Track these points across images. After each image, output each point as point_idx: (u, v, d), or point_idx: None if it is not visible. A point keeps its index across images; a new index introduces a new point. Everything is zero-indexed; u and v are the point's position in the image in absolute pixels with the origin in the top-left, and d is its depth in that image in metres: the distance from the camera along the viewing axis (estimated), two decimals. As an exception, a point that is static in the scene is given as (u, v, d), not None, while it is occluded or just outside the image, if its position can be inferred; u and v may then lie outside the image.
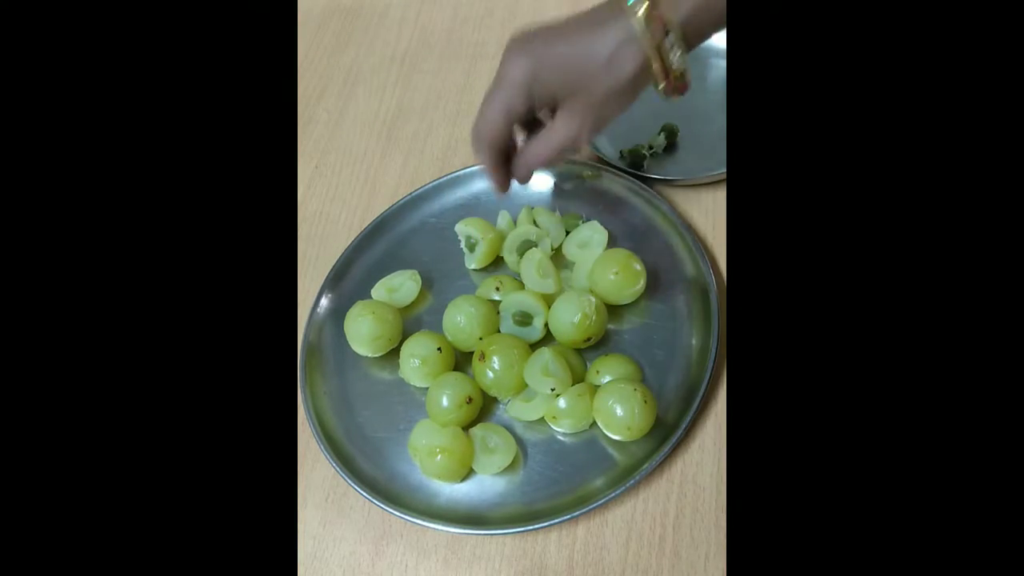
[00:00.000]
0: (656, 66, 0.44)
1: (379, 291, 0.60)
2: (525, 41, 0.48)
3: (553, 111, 0.50)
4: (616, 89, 0.46)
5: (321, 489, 0.54)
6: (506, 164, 0.53)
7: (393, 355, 0.57)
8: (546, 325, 0.55)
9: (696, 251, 0.57)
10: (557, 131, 0.49)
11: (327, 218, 0.68)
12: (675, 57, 0.44)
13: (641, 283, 0.55)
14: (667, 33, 0.43)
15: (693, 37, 0.44)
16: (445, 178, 0.65)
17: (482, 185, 0.65)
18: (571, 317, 0.52)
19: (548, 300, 0.55)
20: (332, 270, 0.62)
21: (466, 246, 0.60)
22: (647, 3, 0.43)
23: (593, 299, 0.53)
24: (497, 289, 0.58)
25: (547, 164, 0.51)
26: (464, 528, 0.49)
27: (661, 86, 0.46)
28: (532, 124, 0.54)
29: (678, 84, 0.46)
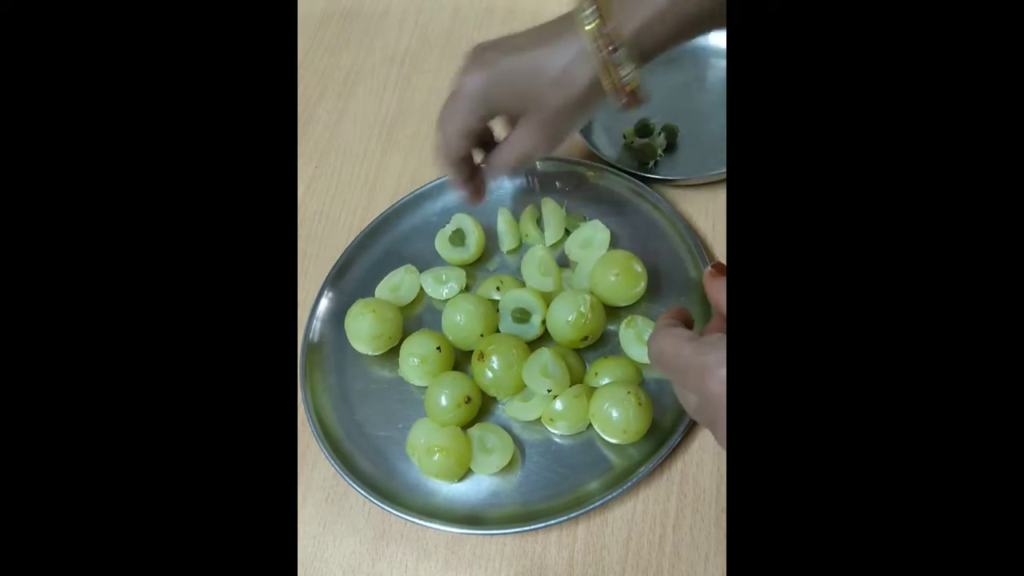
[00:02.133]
0: (607, 82, 0.44)
1: (382, 290, 0.60)
2: (480, 55, 0.48)
3: (512, 123, 0.51)
4: (568, 104, 0.46)
5: (321, 489, 0.54)
6: (472, 175, 0.54)
7: (393, 353, 0.57)
8: (543, 323, 0.55)
9: (696, 251, 0.57)
10: (513, 144, 0.49)
11: (327, 218, 0.68)
12: (626, 72, 0.44)
13: (642, 285, 0.55)
14: (616, 49, 0.43)
15: (645, 52, 0.44)
16: (445, 178, 0.65)
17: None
18: (567, 316, 0.52)
19: (548, 299, 0.55)
20: (332, 270, 0.62)
21: (451, 241, 0.61)
22: (596, 19, 0.43)
23: (589, 298, 0.53)
24: (497, 289, 0.58)
25: (509, 173, 0.52)
26: (464, 528, 0.49)
27: (615, 101, 0.46)
28: (489, 144, 0.55)
29: (631, 99, 0.46)
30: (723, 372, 0.36)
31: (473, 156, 0.54)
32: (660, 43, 0.44)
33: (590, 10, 0.43)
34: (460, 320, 0.54)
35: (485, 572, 0.49)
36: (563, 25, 0.45)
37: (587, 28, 0.43)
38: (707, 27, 0.44)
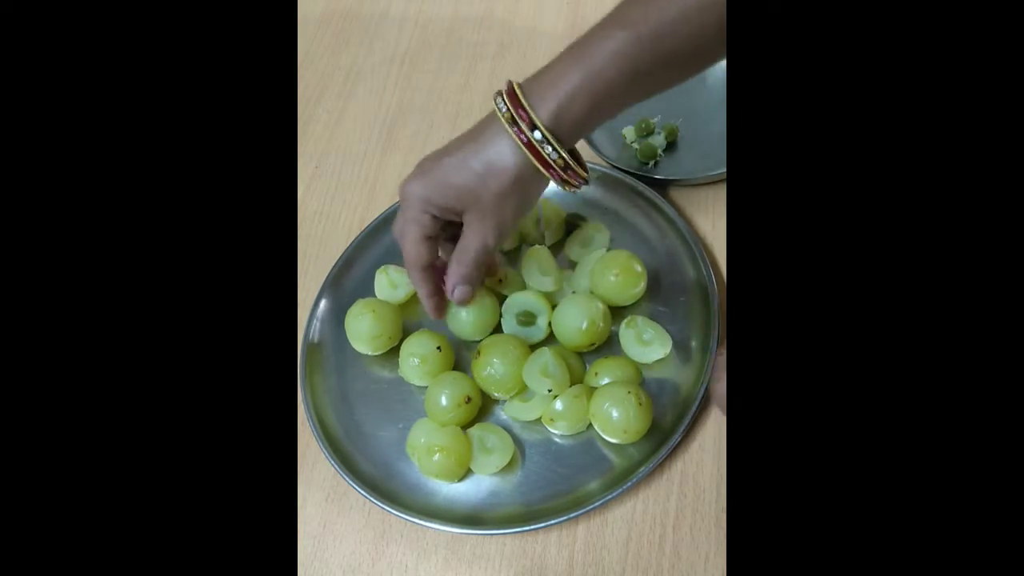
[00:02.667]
0: (536, 163, 0.45)
1: (381, 279, 0.60)
2: (420, 165, 0.50)
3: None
4: (503, 192, 0.47)
5: (321, 489, 0.54)
6: (440, 289, 0.54)
7: (393, 353, 0.57)
8: (549, 325, 0.55)
9: (696, 251, 0.57)
10: (466, 247, 0.50)
11: (327, 218, 0.68)
12: (550, 152, 0.45)
13: (642, 285, 0.55)
14: (533, 129, 0.44)
15: (565, 132, 0.45)
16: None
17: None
18: (579, 323, 0.52)
19: (550, 299, 0.55)
20: (332, 270, 0.62)
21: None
22: (507, 105, 0.45)
23: (601, 305, 0.53)
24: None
25: (473, 279, 0.51)
26: (464, 528, 0.49)
27: (555, 181, 0.47)
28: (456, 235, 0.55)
29: (569, 177, 0.47)
30: None
31: (439, 266, 0.54)
32: (579, 122, 0.45)
33: (502, 100, 0.45)
34: (464, 315, 0.55)
35: (485, 572, 0.49)
36: (486, 121, 0.47)
37: (504, 116, 0.45)
38: (624, 102, 0.46)
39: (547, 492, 0.50)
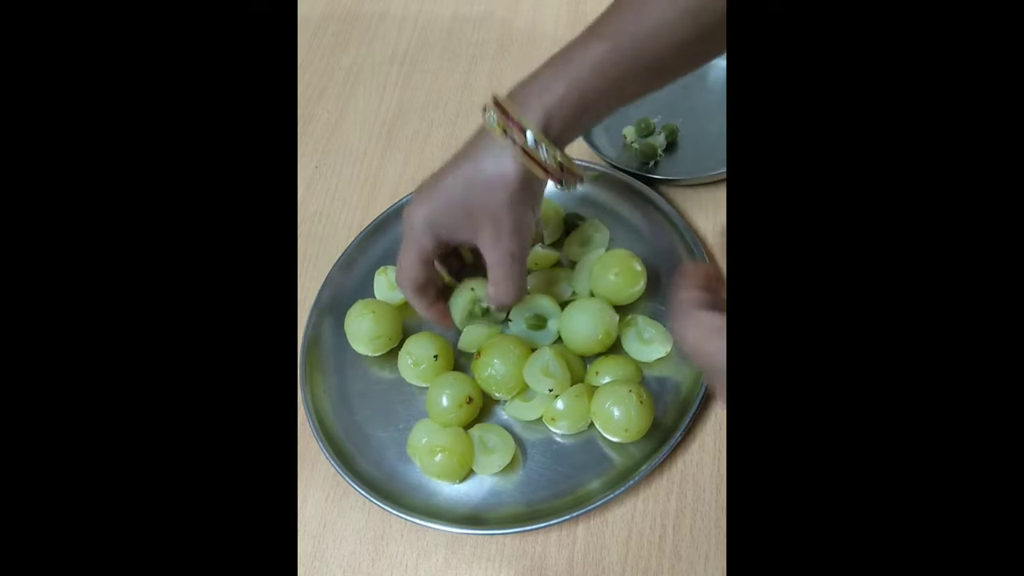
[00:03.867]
0: (532, 167, 0.46)
1: (380, 280, 0.60)
2: (420, 190, 0.50)
3: (471, 250, 0.52)
4: (510, 201, 0.47)
5: (321, 489, 0.54)
6: (438, 300, 0.54)
7: (393, 354, 0.57)
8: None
9: (696, 251, 0.57)
10: (495, 267, 0.49)
11: (327, 218, 0.68)
12: (544, 156, 0.45)
13: (641, 284, 0.55)
14: (524, 133, 0.45)
15: (556, 136, 0.46)
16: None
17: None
18: (595, 333, 0.52)
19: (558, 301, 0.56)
20: (332, 270, 0.62)
21: None
22: (497, 116, 0.45)
23: (614, 314, 0.53)
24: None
25: (514, 294, 0.50)
26: (464, 528, 0.49)
27: (555, 183, 0.48)
28: (453, 258, 0.56)
29: (567, 177, 0.47)
30: None
31: (436, 281, 0.54)
32: (567, 127, 0.46)
33: (492, 111, 0.46)
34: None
35: (485, 572, 0.49)
36: (477, 138, 0.48)
37: (495, 127, 0.46)
38: (610, 108, 0.47)
39: (549, 492, 0.50)
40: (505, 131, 0.45)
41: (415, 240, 0.50)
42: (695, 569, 0.47)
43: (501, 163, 0.46)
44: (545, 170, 0.46)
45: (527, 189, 0.47)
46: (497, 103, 0.46)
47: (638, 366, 0.53)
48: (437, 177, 0.49)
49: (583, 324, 0.53)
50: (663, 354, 0.53)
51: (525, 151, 0.45)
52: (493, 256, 0.49)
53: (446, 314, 0.55)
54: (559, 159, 0.46)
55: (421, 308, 0.53)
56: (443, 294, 0.55)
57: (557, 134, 0.46)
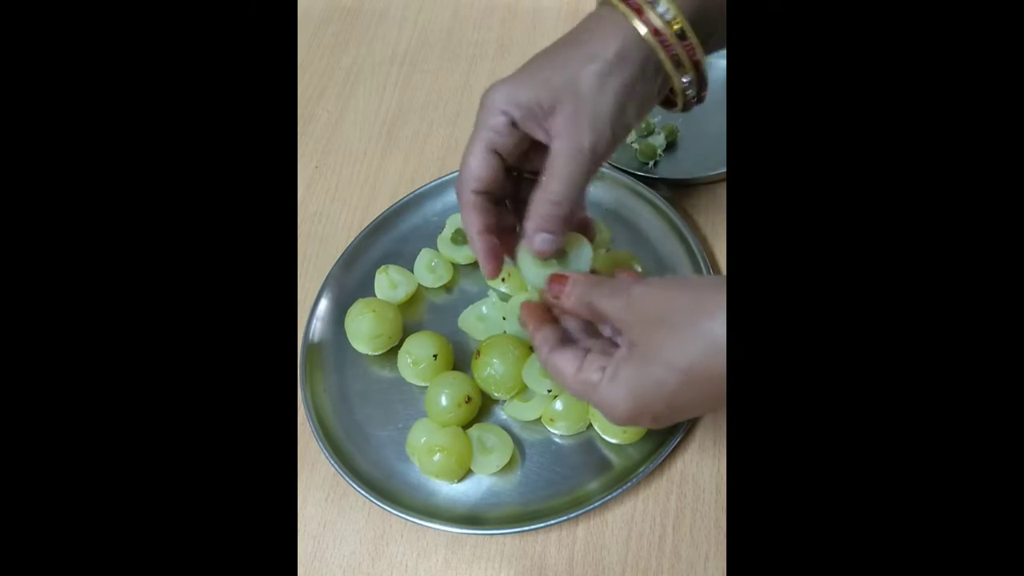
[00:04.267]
0: (640, 27, 0.38)
1: (381, 279, 0.60)
2: (501, 79, 0.42)
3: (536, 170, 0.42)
4: (600, 73, 0.38)
5: (321, 489, 0.54)
6: (494, 228, 0.43)
7: (393, 353, 0.57)
8: None
9: (696, 251, 0.57)
10: (554, 158, 0.40)
11: (327, 218, 0.68)
12: (664, 9, 0.38)
13: None
14: (674, 21, 0.37)
15: (708, 22, 0.38)
16: (445, 178, 0.65)
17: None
18: None
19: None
20: (332, 269, 0.62)
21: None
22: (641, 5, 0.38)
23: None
24: (503, 280, 0.58)
25: (563, 212, 0.41)
26: (464, 528, 0.49)
27: (678, 84, 0.40)
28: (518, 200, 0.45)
29: (684, 51, 0.39)
30: (610, 391, 0.37)
31: (501, 192, 0.44)
32: (720, 10, 0.38)
33: None
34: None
35: (485, 572, 0.49)
36: (591, 22, 0.40)
37: (622, 6, 0.38)
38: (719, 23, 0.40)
39: (547, 492, 0.50)
40: (645, 9, 0.37)
41: (484, 122, 0.41)
42: (695, 569, 0.47)
43: (605, 34, 0.38)
44: (657, 33, 0.37)
45: (628, 63, 0.38)
46: None
47: None
48: (525, 65, 0.41)
49: None
50: None
51: (638, 10, 0.38)
52: (559, 144, 0.39)
53: (497, 254, 0.44)
54: (681, 24, 0.38)
55: (473, 227, 0.43)
56: (505, 238, 0.44)
57: (708, 20, 0.38)
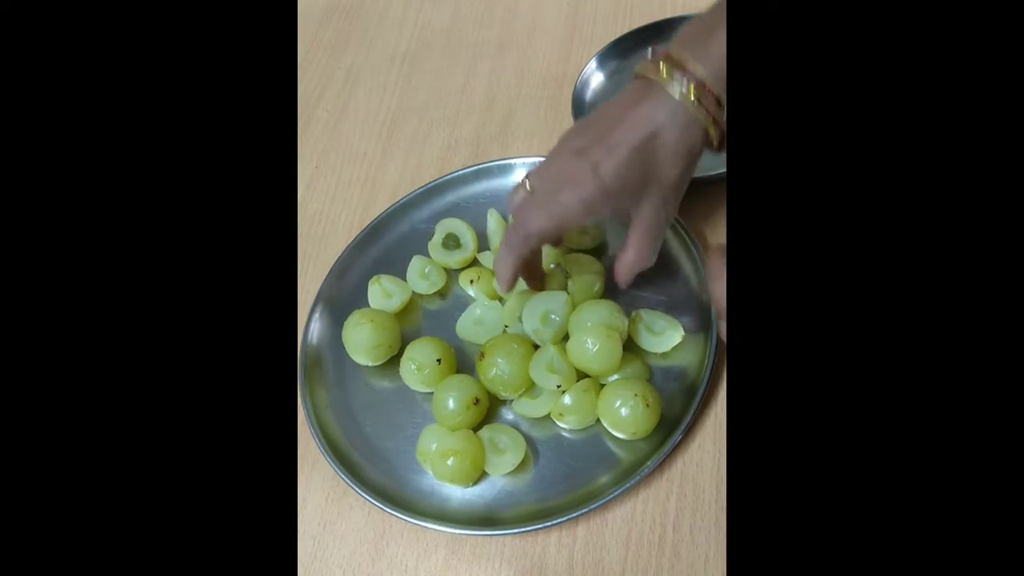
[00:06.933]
0: (714, 130, 0.43)
1: (374, 289, 0.60)
2: (580, 157, 0.45)
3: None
4: (688, 169, 0.45)
5: (321, 489, 0.54)
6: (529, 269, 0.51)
7: (393, 363, 0.56)
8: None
9: (696, 251, 0.57)
10: (643, 233, 0.47)
11: (327, 218, 0.68)
12: (719, 97, 0.42)
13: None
14: (718, 102, 0.42)
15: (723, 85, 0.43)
16: (445, 178, 0.65)
17: (481, 186, 0.65)
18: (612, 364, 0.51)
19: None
20: (332, 270, 0.62)
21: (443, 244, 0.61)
22: (690, 82, 0.42)
23: (619, 341, 0.51)
24: (472, 283, 0.58)
25: (647, 262, 0.49)
26: (464, 528, 0.49)
27: (715, 148, 0.45)
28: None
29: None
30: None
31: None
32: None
33: (659, 66, 0.42)
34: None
35: (485, 572, 0.49)
36: (639, 93, 0.44)
37: (686, 93, 0.42)
38: None
39: (562, 487, 0.50)
40: (692, 91, 0.41)
41: (516, 248, 0.48)
42: (695, 569, 0.47)
43: (689, 132, 0.43)
44: (714, 121, 0.42)
45: (688, 145, 0.44)
46: (668, 56, 0.42)
47: (643, 359, 0.53)
48: (603, 144, 0.45)
49: (595, 355, 0.51)
50: (679, 340, 0.53)
51: (709, 115, 0.42)
52: (647, 221, 0.46)
53: (515, 279, 0.51)
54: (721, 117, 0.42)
55: (508, 276, 0.50)
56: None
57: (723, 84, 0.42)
